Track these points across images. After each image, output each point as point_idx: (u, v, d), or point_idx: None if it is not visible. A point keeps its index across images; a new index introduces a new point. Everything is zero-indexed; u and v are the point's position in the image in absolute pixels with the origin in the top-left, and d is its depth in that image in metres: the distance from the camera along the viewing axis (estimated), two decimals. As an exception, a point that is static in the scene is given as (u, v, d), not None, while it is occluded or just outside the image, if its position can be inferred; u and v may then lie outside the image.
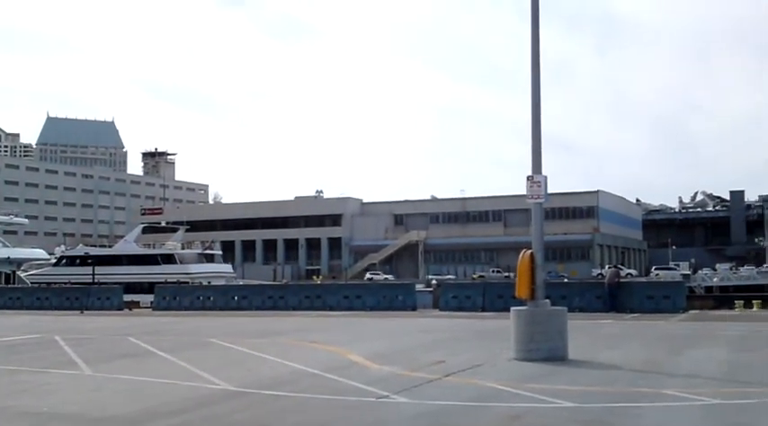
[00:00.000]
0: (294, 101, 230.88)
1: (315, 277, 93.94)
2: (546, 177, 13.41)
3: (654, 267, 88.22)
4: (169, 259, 61.28)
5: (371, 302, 31.08)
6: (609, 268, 39.41)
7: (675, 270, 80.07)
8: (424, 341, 17.17)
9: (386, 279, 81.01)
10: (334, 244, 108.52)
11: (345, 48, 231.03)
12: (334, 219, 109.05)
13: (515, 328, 13.04)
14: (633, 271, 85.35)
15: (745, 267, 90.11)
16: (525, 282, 13.08)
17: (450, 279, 75.33)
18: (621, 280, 29.56)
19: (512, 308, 13.37)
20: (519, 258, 13.34)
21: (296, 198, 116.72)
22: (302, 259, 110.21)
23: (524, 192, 13.50)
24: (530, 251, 13.28)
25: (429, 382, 10.60)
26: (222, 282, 54.01)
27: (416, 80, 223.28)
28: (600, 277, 50.28)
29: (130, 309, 35.14)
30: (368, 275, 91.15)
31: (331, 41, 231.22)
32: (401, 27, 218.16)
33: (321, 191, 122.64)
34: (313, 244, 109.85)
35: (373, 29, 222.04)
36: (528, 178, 13.44)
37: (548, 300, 13.31)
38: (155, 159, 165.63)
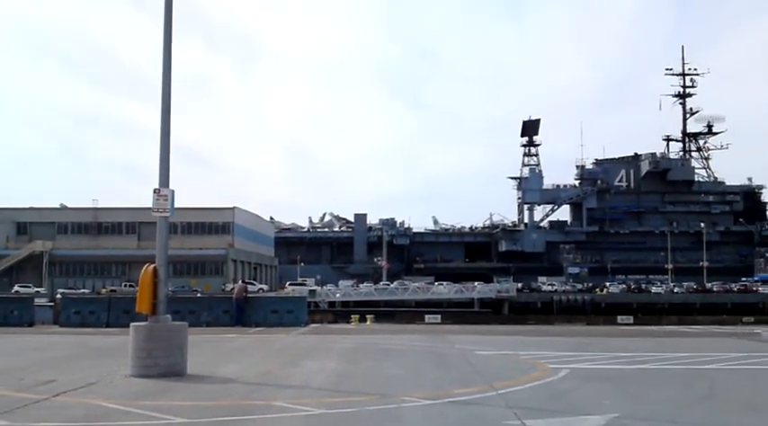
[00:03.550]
0: None
1: None
2: (173, 191, 13.29)
3: (288, 283, 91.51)
4: None
5: (-22, 318, 28.19)
6: (241, 283, 40.03)
7: (306, 285, 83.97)
8: (36, 359, 15.95)
9: (36, 292, 73.54)
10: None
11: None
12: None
13: (133, 344, 12.69)
14: (265, 286, 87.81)
15: (365, 284, 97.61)
16: (147, 297, 12.80)
17: (83, 293, 71.14)
18: (249, 295, 30.27)
19: (131, 324, 13.01)
20: (141, 272, 13.04)
21: None
22: None
23: (158, 205, 13.26)
24: (153, 265, 13.05)
25: (35, 403, 9.86)
26: None
27: (45, 83, 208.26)
28: (232, 291, 50.86)
29: None
30: (16, 287, 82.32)
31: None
32: (27, 26, 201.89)
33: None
34: None
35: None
36: (154, 191, 13.23)
37: (169, 315, 13.14)
38: None
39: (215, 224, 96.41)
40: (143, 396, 10.49)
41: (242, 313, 27.69)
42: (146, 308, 12.78)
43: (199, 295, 58.79)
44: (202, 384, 11.93)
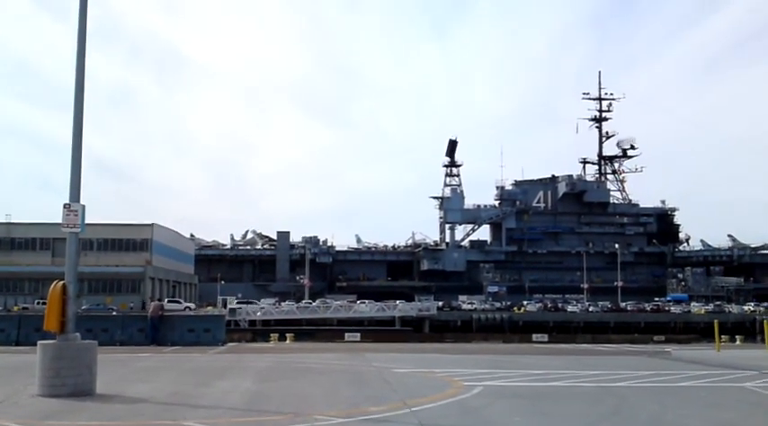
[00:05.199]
0: None
1: None
2: (84, 206, 13.00)
3: (236, 301, 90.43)
4: None
5: None
6: (157, 301, 39.29)
7: (255, 304, 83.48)
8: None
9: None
10: None
11: None
12: None
13: (41, 363, 12.34)
14: (192, 305, 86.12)
15: (287, 302, 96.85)
16: (55, 314, 12.49)
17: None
18: (165, 313, 29.73)
19: (38, 342, 12.66)
20: (50, 289, 12.72)
21: None
22: None
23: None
24: (62, 281, 12.74)
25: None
26: None
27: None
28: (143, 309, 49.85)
29: None
30: None
31: None
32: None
33: None
34: None
35: None
36: (65, 206, 12.92)
37: (78, 334, 12.83)
38: None
39: (133, 240, 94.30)
40: (49, 416, 10.22)
41: (157, 331, 27.16)
42: (54, 326, 12.47)
43: (114, 313, 57.36)
44: (111, 404, 11.68)
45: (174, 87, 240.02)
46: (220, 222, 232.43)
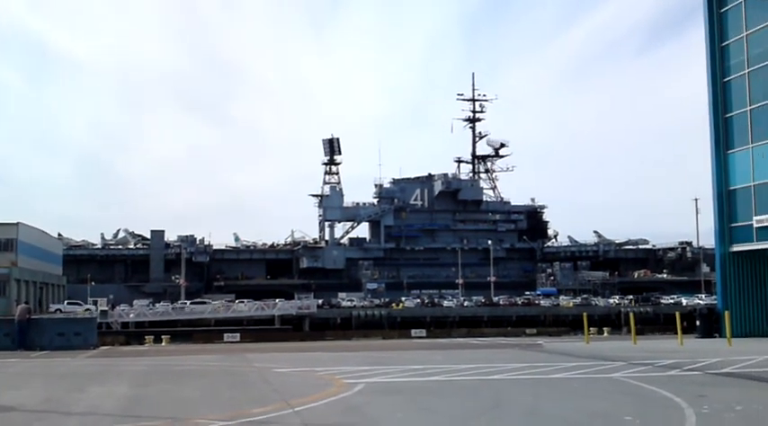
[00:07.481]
0: None
1: None
2: (-55, 206, 12.28)
3: (189, 302, 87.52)
4: None
5: None
6: (24, 304, 37.48)
7: (206, 305, 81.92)
8: None
9: None
10: None
11: None
12: None
13: None
14: (92, 307, 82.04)
15: (162, 303, 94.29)
16: None
17: None
18: (34, 317, 28.50)
19: None
20: None
21: None
22: None
23: None
24: None
25: None
26: None
27: None
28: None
29: None
30: None
31: None
32: None
33: None
34: None
35: None
36: (-76, 206, 12.15)
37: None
38: None
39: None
40: None
41: (24, 336, 26.00)
42: None
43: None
44: (-23, 414, 11.10)
45: (41, 81, 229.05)
46: (90, 221, 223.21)
